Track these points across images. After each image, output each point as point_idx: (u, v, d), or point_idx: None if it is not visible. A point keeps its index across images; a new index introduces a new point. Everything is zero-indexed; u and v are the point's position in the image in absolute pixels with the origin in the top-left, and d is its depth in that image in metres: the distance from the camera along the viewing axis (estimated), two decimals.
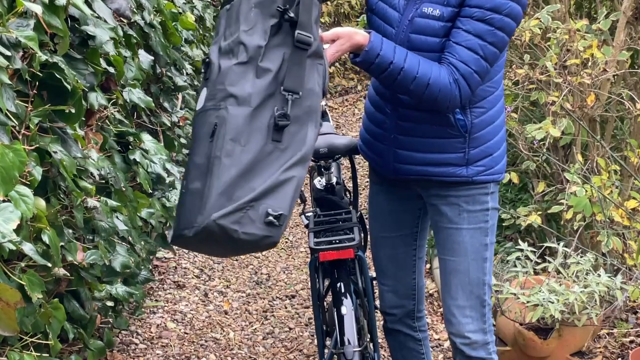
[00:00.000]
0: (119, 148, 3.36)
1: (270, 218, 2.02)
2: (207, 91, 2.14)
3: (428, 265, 4.49)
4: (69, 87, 2.48)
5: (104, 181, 3.08)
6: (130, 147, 3.41)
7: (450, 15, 2.33)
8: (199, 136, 2.12)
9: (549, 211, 3.93)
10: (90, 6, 2.82)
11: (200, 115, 2.15)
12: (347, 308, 2.76)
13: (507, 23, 2.30)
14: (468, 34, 2.29)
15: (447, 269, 2.57)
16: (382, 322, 2.93)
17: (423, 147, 2.47)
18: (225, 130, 2.04)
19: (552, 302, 3.21)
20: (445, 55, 2.33)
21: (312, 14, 2.10)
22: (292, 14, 2.08)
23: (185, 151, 5.42)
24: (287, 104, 2.06)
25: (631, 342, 3.62)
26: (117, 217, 3.05)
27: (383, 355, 3.73)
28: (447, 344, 3.80)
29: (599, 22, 3.89)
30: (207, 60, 2.17)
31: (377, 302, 3.85)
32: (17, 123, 2.28)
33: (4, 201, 2.09)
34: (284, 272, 4.64)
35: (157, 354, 3.72)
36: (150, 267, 4.14)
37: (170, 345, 3.80)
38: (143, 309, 4.02)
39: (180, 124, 4.75)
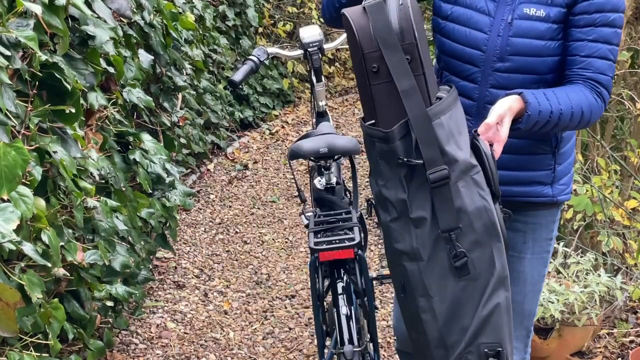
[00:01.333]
0: (119, 148, 3.36)
1: (491, 359, 1.98)
2: (383, 236, 2.08)
3: None
4: (68, 87, 2.48)
5: (104, 181, 3.09)
6: (130, 147, 3.41)
7: (557, 15, 2.17)
8: (396, 288, 2.09)
9: None
10: (90, 6, 2.82)
11: (389, 264, 2.10)
12: (347, 308, 2.75)
13: (622, 20, 2.18)
14: (597, 43, 2.15)
15: None
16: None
17: (510, 164, 2.27)
18: (411, 287, 1.99)
19: (552, 302, 3.20)
20: (577, 71, 2.17)
21: (439, 139, 1.93)
22: (415, 161, 1.92)
23: (185, 151, 5.43)
24: (453, 242, 1.95)
25: (631, 342, 3.62)
26: (117, 217, 3.05)
27: (383, 355, 3.73)
28: None
29: None
30: (370, 201, 2.10)
31: (377, 302, 3.83)
32: (17, 123, 2.28)
33: (4, 201, 2.10)
34: (284, 272, 4.64)
35: (157, 354, 3.72)
36: (150, 267, 4.14)
37: (170, 345, 3.80)
38: (143, 309, 4.02)
39: (180, 123, 4.75)
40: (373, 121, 2.00)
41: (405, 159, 1.93)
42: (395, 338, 2.82)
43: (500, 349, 1.97)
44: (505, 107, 2.09)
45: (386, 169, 1.96)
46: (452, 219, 1.94)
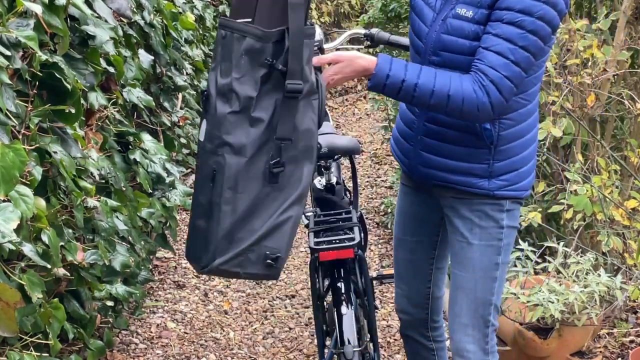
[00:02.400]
0: (119, 148, 3.36)
1: (269, 261, 2.16)
2: (207, 127, 2.18)
3: None
4: (68, 87, 2.48)
5: (104, 181, 3.08)
6: (130, 147, 3.41)
7: (481, 17, 2.26)
8: (202, 175, 2.20)
9: (549, 211, 3.93)
10: (90, 6, 2.82)
11: (202, 152, 2.20)
12: (347, 308, 2.76)
13: (540, 26, 2.19)
14: (497, 38, 2.21)
15: (455, 284, 2.50)
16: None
17: (447, 153, 2.41)
18: (222, 178, 2.12)
19: (552, 302, 3.20)
20: (474, 62, 2.24)
21: (303, 57, 2.10)
22: (280, 67, 2.08)
23: (185, 151, 5.43)
24: (280, 150, 2.13)
25: (631, 342, 3.62)
26: (117, 217, 3.05)
27: (383, 355, 3.73)
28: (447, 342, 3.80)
29: (598, 22, 3.89)
30: (206, 92, 2.19)
31: (377, 302, 3.83)
32: (17, 123, 2.28)
33: (4, 201, 2.10)
34: (284, 272, 4.64)
35: (157, 354, 3.73)
36: (150, 267, 4.14)
37: (170, 345, 3.81)
38: (143, 309, 4.02)
39: (180, 123, 4.75)
40: (250, 20, 2.13)
41: (273, 61, 2.08)
42: (400, 320, 2.82)
43: (280, 255, 2.17)
44: (348, 54, 2.31)
45: (246, 65, 2.10)
46: (288, 131, 2.12)
